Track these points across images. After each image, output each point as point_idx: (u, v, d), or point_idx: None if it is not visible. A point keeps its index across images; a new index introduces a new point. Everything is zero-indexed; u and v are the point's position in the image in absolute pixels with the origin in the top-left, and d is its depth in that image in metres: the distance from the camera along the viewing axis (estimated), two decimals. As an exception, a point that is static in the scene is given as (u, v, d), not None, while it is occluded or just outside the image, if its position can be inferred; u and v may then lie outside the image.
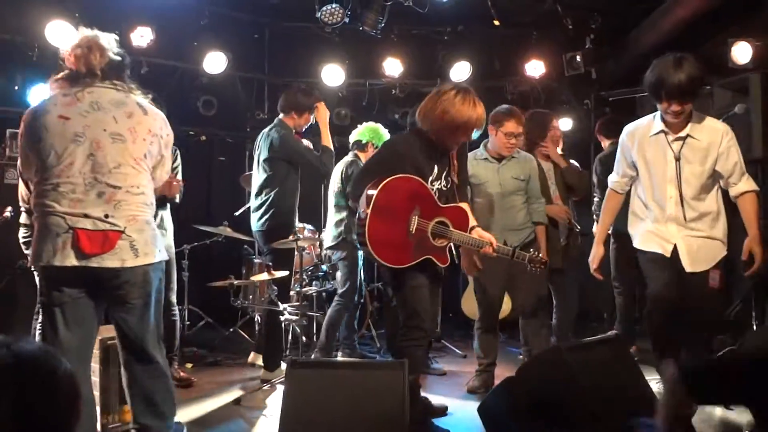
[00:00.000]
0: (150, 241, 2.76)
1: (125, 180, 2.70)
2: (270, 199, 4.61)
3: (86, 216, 2.64)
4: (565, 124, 7.10)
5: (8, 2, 5.53)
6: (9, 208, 4.38)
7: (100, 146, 2.66)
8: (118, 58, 2.82)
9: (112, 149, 2.68)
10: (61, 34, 5.51)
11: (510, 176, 4.35)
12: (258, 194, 4.70)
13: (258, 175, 4.73)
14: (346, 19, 5.86)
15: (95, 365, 3.46)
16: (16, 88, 5.68)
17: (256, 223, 4.70)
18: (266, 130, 4.76)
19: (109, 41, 2.83)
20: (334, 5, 5.72)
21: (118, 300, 2.74)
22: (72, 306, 2.69)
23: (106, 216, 2.65)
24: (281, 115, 4.78)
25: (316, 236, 5.60)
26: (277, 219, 4.59)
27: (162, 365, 2.87)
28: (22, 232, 4.14)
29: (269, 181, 4.63)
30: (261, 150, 4.73)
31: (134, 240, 2.70)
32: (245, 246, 5.95)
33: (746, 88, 5.46)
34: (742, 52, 5.62)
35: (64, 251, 2.62)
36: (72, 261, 2.62)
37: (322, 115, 4.76)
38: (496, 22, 6.38)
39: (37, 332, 4.06)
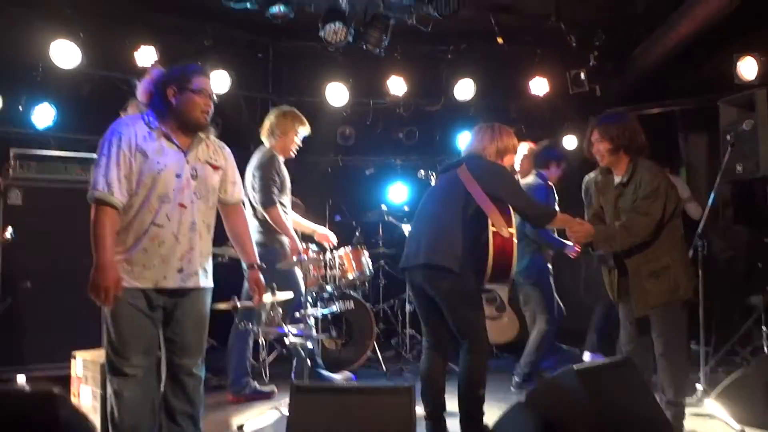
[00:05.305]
0: None
1: None
2: None
3: None
4: (569, 141, 7.08)
5: (13, 22, 5.54)
6: (9, 229, 4.33)
7: None
8: None
9: None
10: (66, 54, 5.53)
11: None
12: None
13: None
14: (350, 38, 5.85)
15: (96, 389, 3.41)
16: (20, 108, 5.68)
17: None
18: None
19: None
20: (337, 24, 5.71)
21: None
22: None
23: None
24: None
25: (321, 257, 5.55)
26: None
27: None
28: None
29: None
30: None
31: None
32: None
33: (752, 104, 5.41)
34: (748, 68, 5.60)
35: None
36: None
37: None
38: (500, 40, 6.37)
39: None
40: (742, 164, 5.40)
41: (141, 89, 3.06)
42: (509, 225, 3.57)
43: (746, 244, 6.03)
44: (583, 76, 6.49)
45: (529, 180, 5.15)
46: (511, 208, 3.62)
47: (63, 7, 5.58)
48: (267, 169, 4.64)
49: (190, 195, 2.99)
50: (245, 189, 4.66)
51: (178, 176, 2.96)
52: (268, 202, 4.57)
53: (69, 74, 5.68)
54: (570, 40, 6.22)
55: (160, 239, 2.93)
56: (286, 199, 4.77)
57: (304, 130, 4.85)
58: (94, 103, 5.87)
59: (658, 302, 3.61)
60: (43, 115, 5.73)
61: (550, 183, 5.15)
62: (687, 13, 5.63)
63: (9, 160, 5.37)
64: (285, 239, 4.65)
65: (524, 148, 5.39)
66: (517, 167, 5.24)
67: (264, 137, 4.80)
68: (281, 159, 4.77)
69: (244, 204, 4.52)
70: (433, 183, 5.37)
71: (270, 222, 4.64)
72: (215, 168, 3.13)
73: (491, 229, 3.54)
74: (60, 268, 4.84)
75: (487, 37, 6.39)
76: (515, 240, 3.60)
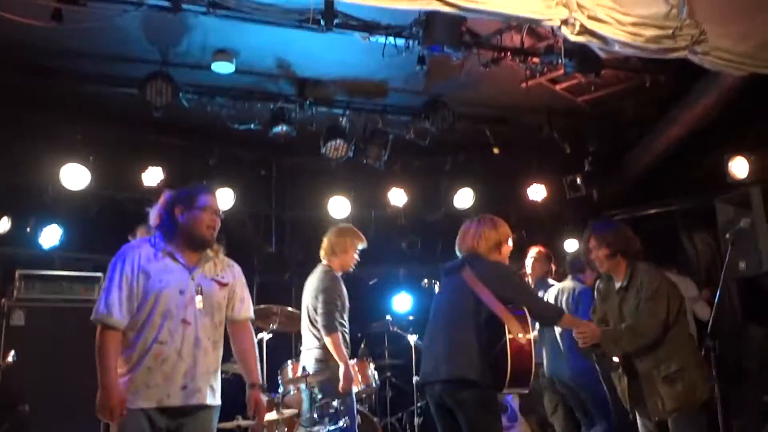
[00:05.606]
0: None
1: None
2: None
3: None
4: (570, 245, 7.11)
5: (24, 147, 5.74)
6: (12, 353, 4.29)
7: None
8: None
9: None
10: (75, 177, 5.67)
11: None
12: None
13: None
14: (350, 154, 6.03)
15: None
16: (28, 229, 5.77)
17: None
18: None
19: None
20: (338, 141, 5.90)
21: None
22: None
23: None
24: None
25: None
26: None
27: None
28: None
29: None
30: None
31: None
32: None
33: (748, 202, 5.47)
34: (739, 168, 5.66)
35: None
36: None
37: None
38: (496, 151, 6.55)
39: None
40: (745, 261, 5.41)
41: (152, 214, 3.16)
42: (526, 330, 3.49)
43: (757, 341, 5.92)
44: (579, 181, 6.62)
45: (567, 284, 5.18)
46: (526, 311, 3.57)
47: (74, 132, 5.78)
48: (331, 294, 4.72)
49: (194, 311, 3.00)
50: (306, 307, 4.78)
51: (181, 293, 3.00)
52: (331, 328, 4.63)
53: (77, 195, 5.81)
54: (564, 147, 6.39)
55: (163, 356, 2.92)
56: (345, 317, 4.83)
57: (362, 244, 4.97)
58: (101, 224, 5.97)
59: (675, 407, 3.53)
60: (50, 236, 5.82)
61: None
62: (675, 118, 5.83)
63: (14, 281, 5.42)
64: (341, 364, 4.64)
65: (533, 252, 5.44)
66: (528, 270, 5.28)
67: (324, 256, 4.90)
68: (340, 275, 4.87)
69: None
70: (437, 289, 5.35)
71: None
72: (222, 285, 3.16)
73: (508, 335, 3.47)
74: (60, 390, 4.77)
75: (483, 147, 6.58)
76: (533, 344, 3.54)
